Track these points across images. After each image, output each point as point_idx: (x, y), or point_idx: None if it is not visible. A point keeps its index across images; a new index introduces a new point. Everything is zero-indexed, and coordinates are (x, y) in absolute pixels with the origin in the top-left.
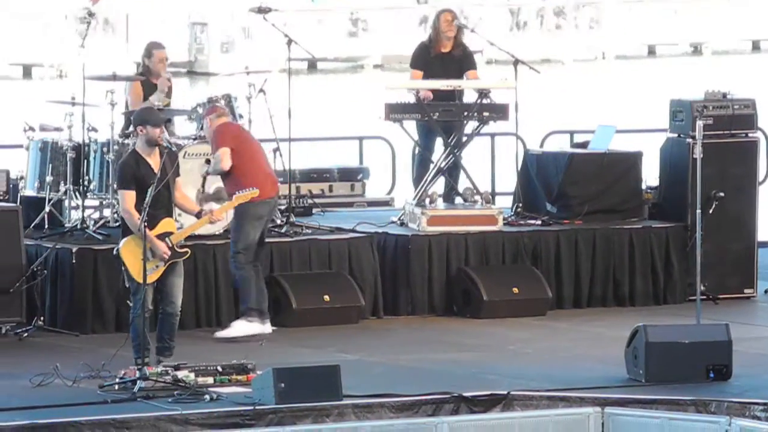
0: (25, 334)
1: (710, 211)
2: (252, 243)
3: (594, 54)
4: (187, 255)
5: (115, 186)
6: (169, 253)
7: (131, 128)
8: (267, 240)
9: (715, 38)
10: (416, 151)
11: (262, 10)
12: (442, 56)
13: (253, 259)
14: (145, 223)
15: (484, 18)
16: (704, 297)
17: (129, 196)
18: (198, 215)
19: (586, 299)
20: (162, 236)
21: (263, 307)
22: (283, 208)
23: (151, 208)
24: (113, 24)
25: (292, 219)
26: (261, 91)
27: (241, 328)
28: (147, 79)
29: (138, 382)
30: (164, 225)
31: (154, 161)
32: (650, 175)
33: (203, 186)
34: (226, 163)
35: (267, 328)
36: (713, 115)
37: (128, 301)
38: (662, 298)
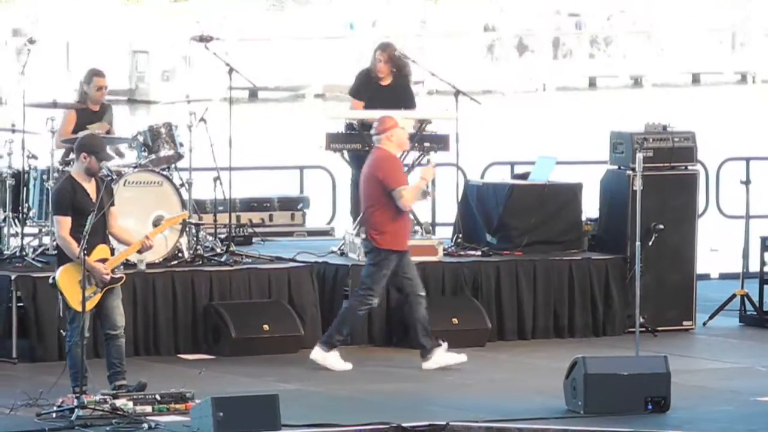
0: None
1: (650, 244)
2: (380, 287)
3: (535, 86)
4: (123, 281)
5: (51, 212)
6: (109, 274)
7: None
8: (206, 269)
9: (656, 71)
10: (354, 181)
11: (203, 39)
12: (382, 87)
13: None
14: (85, 251)
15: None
16: (643, 329)
17: (65, 223)
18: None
19: (527, 330)
20: (97, 263)
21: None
22: (223, 236)
23: (88, 235)
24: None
25: (232, 248)
26: (202, 119)
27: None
28: (86, 108)
29: (76, 410)
30: (99, 251)
31: (91, 188)
32: (590, 207)
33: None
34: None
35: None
36: (653, 147)
37: (62, 330)
38: (601, 329)
